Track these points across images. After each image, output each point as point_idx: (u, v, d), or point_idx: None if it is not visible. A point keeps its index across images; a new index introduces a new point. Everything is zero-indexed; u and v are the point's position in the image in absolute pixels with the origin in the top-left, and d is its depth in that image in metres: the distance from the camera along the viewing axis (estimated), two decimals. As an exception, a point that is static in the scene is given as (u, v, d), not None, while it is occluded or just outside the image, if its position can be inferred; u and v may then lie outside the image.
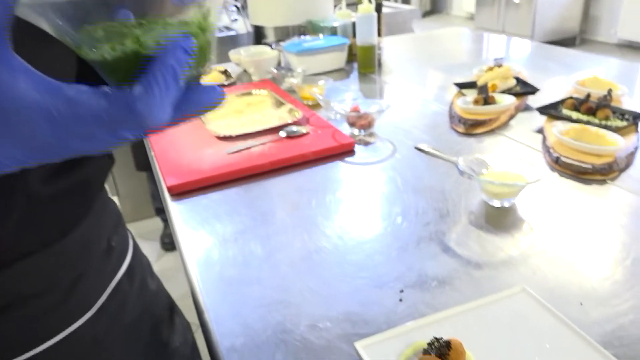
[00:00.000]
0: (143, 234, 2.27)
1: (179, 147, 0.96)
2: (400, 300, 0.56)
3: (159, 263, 2.05)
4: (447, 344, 0.44)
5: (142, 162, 1.97)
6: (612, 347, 0.48)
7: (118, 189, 2.27)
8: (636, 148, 0.87)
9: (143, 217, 2.35)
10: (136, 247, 0.62)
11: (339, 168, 0.89)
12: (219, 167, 0.86)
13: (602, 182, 0.78)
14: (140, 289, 0.59)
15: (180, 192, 0.82)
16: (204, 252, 0.67)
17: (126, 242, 0.60)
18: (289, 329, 0.53)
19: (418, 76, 1.49)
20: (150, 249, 2.14)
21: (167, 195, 0.82)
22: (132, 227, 2.33)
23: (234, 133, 0.99)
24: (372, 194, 0.80)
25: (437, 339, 0.44)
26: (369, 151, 0.95)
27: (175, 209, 0.79)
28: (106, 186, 0.55)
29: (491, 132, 1.00)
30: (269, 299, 0.57)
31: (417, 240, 0.66)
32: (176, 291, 1.92)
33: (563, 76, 1.35)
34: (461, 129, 1.00)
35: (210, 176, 0.84)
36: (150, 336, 0.59)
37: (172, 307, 0.67)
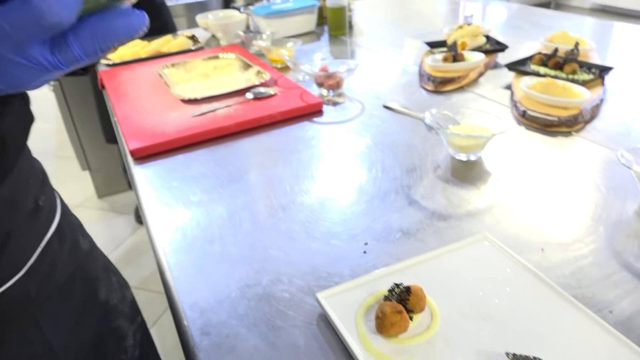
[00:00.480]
0: (117, 208, 2.23)
1: (142, 111, 0.93)
2: (365, 252, 0.55)
3: (134, 236, 2.02)
4: (407, 289, 0.43)
5: (112, 134, 1.91)
6: (571, 289, 0.49)
7: (89, 163, 2.21)
8: (601, 100, 0.87)
9: (116, 191, 2.31)
10: (65, 207, 0.61)
11: (306, 128, 0.88)
12: (183, 130, 0.84)
13: (568, 134, 0.78)
14: (72, 248, 0.58)
15: (144, 156, 0.80)
16: (168, 214, 0.66)
17: (54, 201, 0.58)
18: (252, 284, 0.52)
19: (390, 38, 1.46)
20: (124, 223, 2.11)
21: (130, 159, 0.80)
22: (105, 201, 2.28)
23: (199, 96, 0.96)
24: (339, 152, 0.79)
25: (397, 285, 0.44)
26: (337, 111, 0.93)
27: (140, 172, 0.76)
28: (28, 145, 0.53)
29: (460, 89, 0.99)
30: (233, 255, 0.56)
31: (383, 194, 0.66)
32: (151, 264, 1.90)
33: (536, 37, 1.34)
34: (430, 86, 0.99)
35: (174, 139, 0.82)
36: (86, 294, 0.59)
37: (107, 266, 0.67)
